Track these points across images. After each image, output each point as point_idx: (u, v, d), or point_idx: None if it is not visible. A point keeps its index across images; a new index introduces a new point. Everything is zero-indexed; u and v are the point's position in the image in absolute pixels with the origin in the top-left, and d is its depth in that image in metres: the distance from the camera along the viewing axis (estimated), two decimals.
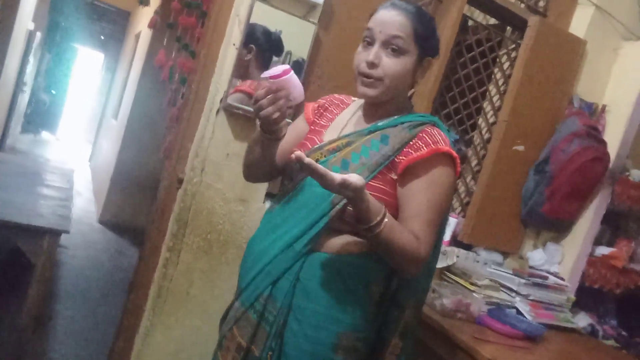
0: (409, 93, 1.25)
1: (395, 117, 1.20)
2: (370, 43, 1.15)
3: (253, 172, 1.31)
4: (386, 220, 1.04)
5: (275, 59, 1.86)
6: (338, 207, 1.11)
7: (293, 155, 0.96)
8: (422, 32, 1.14)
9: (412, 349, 1.28)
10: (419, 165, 1.12)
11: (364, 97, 1.19)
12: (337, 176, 0.96)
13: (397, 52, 1.12)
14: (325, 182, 0.97)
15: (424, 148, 1.12)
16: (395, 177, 1.14)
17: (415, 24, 1.13)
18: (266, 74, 1.08)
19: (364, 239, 1.13)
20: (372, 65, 1.12)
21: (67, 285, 3.13)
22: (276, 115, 1.08)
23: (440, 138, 1.15)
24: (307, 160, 0.94)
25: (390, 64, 1.12)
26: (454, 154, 1.14)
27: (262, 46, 1.81)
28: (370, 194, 1.07)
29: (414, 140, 1.14)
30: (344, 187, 0.96)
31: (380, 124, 1.19)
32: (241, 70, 1.82)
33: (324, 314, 1.13)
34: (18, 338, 2.32)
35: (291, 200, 1.20)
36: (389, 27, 1.12)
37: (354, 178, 0.97)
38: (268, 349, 1.14)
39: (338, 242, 1.14)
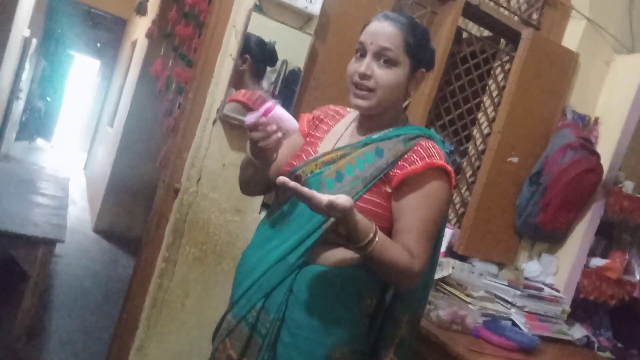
0: (404, 104, 1.26)
1: (390, 129, 1.19)
2: (362, 55, 1.15)
3: (249, 187, 1.32)
4: (377, 239, 1.04)
5: (269, 69, 1.87)
6: (332, 219, 1.11)
7: (277, 181, 0.97)
8: (413, 43, 1.13)
9: None
10: (413, 179, 1.11)
11: (357, 109, 1.20)
12: (324, 198, 0.96)
13: (389, 63, 1.12)
14: (311, 204, 0.97)
15: (419, 162, 1.12)
16: (389, 190, 1.14)
17: (406, 35, 1.12)
18: (249, 118, 1.07)
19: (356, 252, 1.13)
20: (364, 76, 1.12)
21: (61, 295, 3.10)
22: (268, 146, 1.09)
23: (435, 152, 1.14)
24: (292, 184, 0.95)
25: (382, 75, 1.12)
26: (449, 168, 1.13)
27: (256, 56, 1.82)
28: (364, 207, 1.09)
29: (408, 154, 1.14)
30: (331, 208, 0.97)
31: (374, 136, 1.19)
32: (236, 80, 1.83)
33: (316, 327, 1.12)
34: (11, 348, 2.30)
35: (285, 212, 1.20)
36: (379, 38, 1.12)
37: (342, 199, 0.97)
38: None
39: (331, 254, 1.14)
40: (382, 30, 1.12)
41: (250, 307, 1.17)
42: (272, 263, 1.15)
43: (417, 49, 1.14)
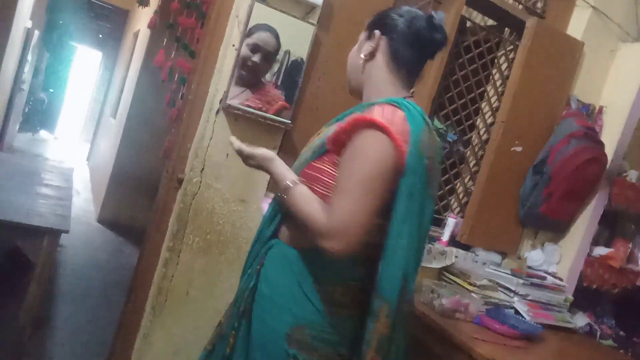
0: (410, 92, 1.21)
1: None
2: None
3: None
4: (293, 188, 1.12)
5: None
6: None
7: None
8: (370, 20, 1.26)
9: None
10: (342, 139, 1.09)
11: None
12: (246, 150, 1.22)
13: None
14: (241, 155, 1.24)
15: (349, 120, 1.09)
16: (337, 156, 1.13)
17: (367, 24, 1.27)
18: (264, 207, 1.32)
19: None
20: None
21: (66, 285, 3.13)
22: None
23: (378, 110, 1.08)
24: (233, 142, 1.26)
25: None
26: (377, 120, 1.04)
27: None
28: (309, 173, 1.16)
29: (350, 115, 1.14)
30: (249, 157, 1.22)
31: (339, 116, 1.25)
32: (257, 79, 1.84)
33: (277, 303, 1.14)
34: (17, 338, 2.32)
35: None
36: None
37: (259, 151, 1.21)
38: (231, 327, 1.22)
39: (295, 234, 1.18)
40: None
41: (247, 284, 1.24)
42: (256, 237, 1.27)
43: (371, 22, 1.26)
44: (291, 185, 1.12)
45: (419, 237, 1.11)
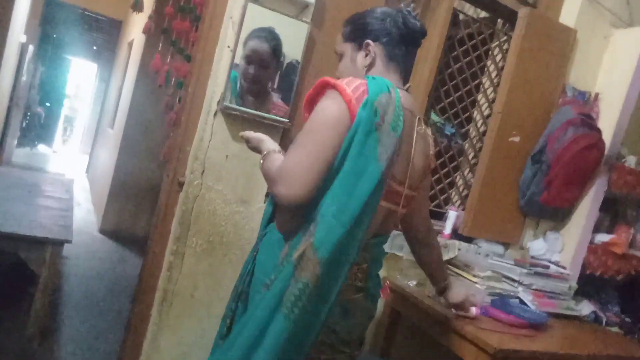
0: (405, 86, 1.30)
1: None
2: None
3: None
4: (268, 154, 1.22)
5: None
6: None
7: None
8: (347, 30, 1.32)
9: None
10: (310, 101, 1.23)
11: None
12: (245, 134, 1.33)
13: (339, 59, 1.35)
14: (247, 142, 1.34)
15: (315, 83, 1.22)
16: None
17: (343, 29, 1.34)
18: None
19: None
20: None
21: (70, 296, 3.13)
22: None
23: (341, 80, 1.18)
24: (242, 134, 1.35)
25: (339, 68, 1.35)
26: (331, 80, 1.17)
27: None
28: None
29: None
30: (248, 141, 1.32)
31: None
32: (266, 87, 1.86)
33: (264, 283, 1.18)
34: (24, 349, 2.32)
35: None
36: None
37: (255, 134, 1.32)
38: (229, 310, 1.33)
39: (280, 219, 1.26)
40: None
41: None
42: (258, 228, 1.37)
43: (352, 32, 1.31)
44: (265, 152, 1.23)
45: (354, 193, 1.10)
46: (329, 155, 1.10)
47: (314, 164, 1.08)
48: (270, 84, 1.87)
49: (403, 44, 1.28)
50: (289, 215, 1.20)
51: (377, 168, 1.12)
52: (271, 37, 1.81)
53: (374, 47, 1.27)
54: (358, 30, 1.30)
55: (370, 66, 1.27)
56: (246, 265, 1.32)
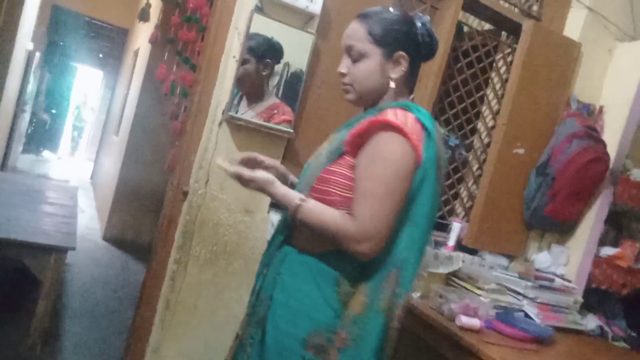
0: (410, 98, 1.25)
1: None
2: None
3: None
4: (303, 205, 1.12)
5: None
6: (305, 192, 1.20)
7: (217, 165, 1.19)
8: (380, 32, 1.18)
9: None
10: (360, 141, 1.13)
11: (349, 102, 1.27)
12: (245, 174, 1.18)
13: (358, 57, 1.20)
14: (240, 181, 1.20)
15: (365, 122, 1.12)
16: (351, 159, 1.16)
17: (369, 26, 1.18)
18: None
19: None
20: (341, 75, 1.24)
21: (73, 303, 3.12)
22: None
23: (391, 113, 1.11)
24: (229, 169, 1.20)
25: (354, 70, 1.21)
26: (394, 122, 1.09)
27: (277, 59, 1.84)
28: (326, 177, 1.17)
29: (363, 119, 1.16)
30: (249, 181, 1.18)
31: (351, 120, 1.26)
32: (257, 86, 1.83)
33: (295, 309, 1.15)
34: (26, 356, 2.32)
35: None
36: (345, 37, 1.22)
37: (259, 173, 1.18)
38: (249, 337, 1.21)
39: (312, 238, 1.18)
40: (348, 29, 1.23)
41: (253, 288, 1.27)
42: (269, 244, 1.29)
43: (384, 36, 1.18)
44: (300, 202, 1.13)
45: (428, 229, 1.17)
46: (402, 204, 1.10)
47: (390, 216, 1.08)
48: (269, 87, 1.86)
49: (423, 57, 1.24)
50: (320, 239, 1.15)
51: (439, 201, 1.20)
52: (249, 38, 1.79)
53: (405, 59, 1.19)
54: (389, 36, 1.18)
55: (401, 79, 1.20)
56: (265, 289, 1.22)
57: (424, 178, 1.11)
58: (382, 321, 1.11)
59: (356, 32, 1.20)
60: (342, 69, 1.23)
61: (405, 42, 1.20)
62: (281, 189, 1.18)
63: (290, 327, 1.14)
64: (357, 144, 1.13)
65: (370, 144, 1.10)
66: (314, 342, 1.12)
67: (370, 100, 1.23)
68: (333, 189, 1.15)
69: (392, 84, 1.20)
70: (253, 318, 1.23)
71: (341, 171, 1.16)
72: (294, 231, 1.24)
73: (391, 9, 1.22)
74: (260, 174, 1.19)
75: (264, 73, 1.83)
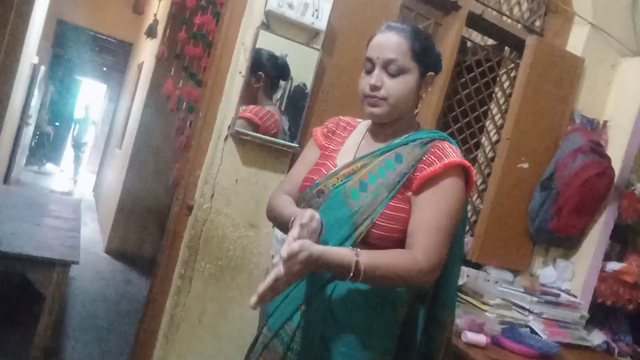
0: (415, 113, 1.25)
1: (407, 135, 1.21)
2: (371, 69, 1.18)
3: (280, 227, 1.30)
4: (361, 264, 0.99)
5: (282, 82, 1.89)
6: (361, 228, 1.12)
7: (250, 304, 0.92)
8: (419, 49, 1.16)
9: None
10: (433, 180, 1.13)
11: (371, 117, 1.22)
12: (280, 267, 0.92)
13: (398, 72, 1.15)
14: (282, 278, 0.93)
15: (437, 162, 1.13)
16: (410, 194, 1.15)
17: (411, 42, 1.16)
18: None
19: None
20: (374, 88, 1.16)
21: (76, 317, 3.11)
22: None
23: (451, 151, 1.16)
24: (253, 301, 0.92)
25: (392, 85, 1.15)
26: (466, 163, 1.15)
27: (270, 73, 1.85)
28: (392, 214, 1.12)
29: (426, 156, 1.16)
30: (290, 261, 0.93)
31: (393, 143, 1.21)
32: (249, 97, 1.85)
33: (354, 342, 1.12)
34: None
35: None
36: (385, 50, 1.15)
37: (295, 246, 0.93)
38: None
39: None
40: (387, 42, 1.16)
41: (283, 321, 1.16)
42: (310, 279, 1.15)
43: (424, 53, 1.17)
44: (362, 263, 1.00)
45: (462, 253, 1.31)
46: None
47: (449, 246, 1.13)
48: (278, 105, 1.88)
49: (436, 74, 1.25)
50: None
51: None
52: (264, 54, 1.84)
53: (432, 80, 1.21)
54: (427, 55, 1.18)
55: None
56: (316, 326, 1.13)
57: (464, 211, 1.23)
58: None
59: (399, 46, 1.15)
60: (377, 82, 1.16)
61: (437, 62, 1.22)
62: (326, 254, 0.98)
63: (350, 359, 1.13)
64: (426, 183, 1.14)
65: (441, 185, 1.13)
66: None
67: (394, 117, 1.20)
68: (395, 225, 1.13)
69: (415, 103, 1.21)
70: (291, 358, 1.14)
71: (403, 206, 1.14)
72: None
73: (420, 27, 1.23)
74: (296, 246, 0.94)
75: (256, 85, 1.84)
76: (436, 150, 1.16)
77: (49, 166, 9.94)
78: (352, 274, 0.99)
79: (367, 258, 1.01)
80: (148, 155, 4.69)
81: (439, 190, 1.13)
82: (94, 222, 6.05)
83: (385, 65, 1.15)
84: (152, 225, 4.72)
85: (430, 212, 1.11)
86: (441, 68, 1.24)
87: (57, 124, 10.26)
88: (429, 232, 1.09)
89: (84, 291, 3.59)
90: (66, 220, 3.15)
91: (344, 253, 1.00)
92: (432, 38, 1.23)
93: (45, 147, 9.68)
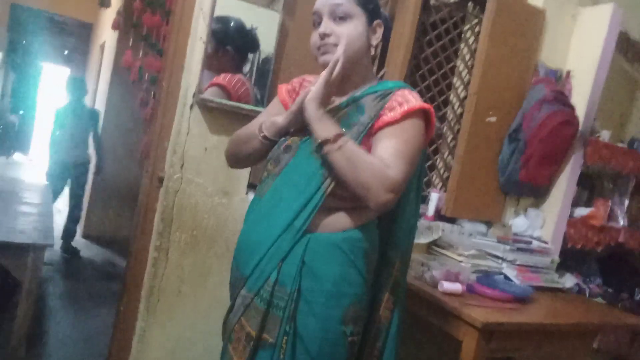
0: (380, 74, 1.29)
1: (367, 87, 1.24)
2: (320, 20, 1.21)
3: (246, 160, 1.35)
4: (345, 139, 1.11)
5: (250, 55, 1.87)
6: (330, 179, 1.15)
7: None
8: None
9: (404, 299, 1.37)
10: (393, 123, 1.17)
11: (327, 65, 1.21)
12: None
13: (344, 17, 1.18)
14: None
15: (398, 108, 1.17)
16: (372, 139, 1.19)
17: None
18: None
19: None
20: (324, 35, 1.18)
21: (57, 302, 3.09)
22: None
23: (411, 97, 1.20)
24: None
25: (341, 30, 1.18)
26: (426, 106, 1.19)
27: (239, 46, 1.82)
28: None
29: (387, 104, 1.19)
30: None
31: (355, 95, 1.23)
32: (217, 67, 1.82)
33: (331, 292, 1.16)
34: (12, 357, 2.28)
35: (281, 183, 1.21)
36: None
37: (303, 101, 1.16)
38: (282, 334, 1.14)
39: (335, 219, 1.18)
40: None
41: (264, 279, 1.17)
42: (281, 231, 1.17)
43: (368, 2, 1.21)
44: (344, 141, 1.11)
45: (418, 199, 1.34)
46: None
47: (407, 182, 1.16)
48: (247, 77, 1.86)
49: (388, 31, 1.29)
50: (340, 217, 1.19)
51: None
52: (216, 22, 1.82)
53: (381, 29, 1.24)
54: (371, 2, 1.22)
55: (377, 47, 1.26)
56: (292, 281, 1.16)
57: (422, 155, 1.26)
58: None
59: None
60: (326, 29, 1.18)
61: (380, 12, 1.25)
62: (331, 125, 1.14)
63: (329, 310, 1.15)
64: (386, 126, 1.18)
65: (402, 124, 1.16)
66: (351, 314, 1.17)
67: (349, 63, 1.19)
68: None
69: (372, 51, 1.24)
70: (274, 314, 1.17)
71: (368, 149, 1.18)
72: (316, 214, 1.16)
73: None
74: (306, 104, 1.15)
75: (223, 59, 1.83)
76: (397, 97, 1.19)
77: (17, 156, 9.66)
78: (330, 138, 1.10)
79: (352, 142, 1.12)
80: (118, 135, 4.62)
81: (398, 127, 1.16)
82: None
83: (332, 13, 1.18)
84: (127, 204, 4.66)
85: (391, 141, 1.15)
86: (385, 18, 1.27)
87: (21, 112, 9.92)
88: (395, 155, 1.13)
89: (64, 276, 3.56)
90: (37, 206, 3.09)
91: (335, 130, 1.12)
92: None
93: (11, 137, 9.37)
